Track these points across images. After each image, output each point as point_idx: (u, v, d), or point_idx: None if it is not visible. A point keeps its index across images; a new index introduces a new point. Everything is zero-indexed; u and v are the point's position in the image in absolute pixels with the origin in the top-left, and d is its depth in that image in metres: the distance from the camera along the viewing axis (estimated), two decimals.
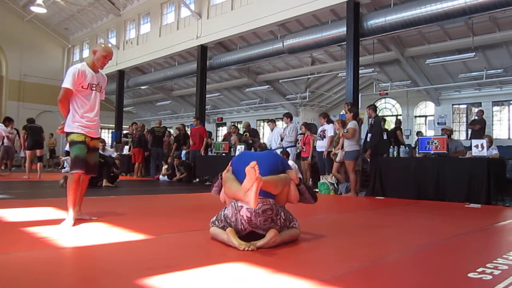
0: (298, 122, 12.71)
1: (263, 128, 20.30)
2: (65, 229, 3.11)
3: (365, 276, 2.11)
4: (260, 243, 2.51)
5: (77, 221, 3.39)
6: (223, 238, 2.65)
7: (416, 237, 3.31)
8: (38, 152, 9.92)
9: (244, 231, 2.62)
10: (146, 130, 12.55)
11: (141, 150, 11.61)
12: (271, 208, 2.57)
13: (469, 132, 11.96)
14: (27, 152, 9.91)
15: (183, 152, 11.66)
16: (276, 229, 2.61)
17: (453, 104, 15.26)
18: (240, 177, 2.61)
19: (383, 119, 10.72)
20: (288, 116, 9.19)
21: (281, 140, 9.05)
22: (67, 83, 3.34)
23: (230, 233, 2.58)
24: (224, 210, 2.74)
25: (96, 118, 3.53)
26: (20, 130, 10.73)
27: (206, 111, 15.89)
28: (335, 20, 10.95)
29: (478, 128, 10.08)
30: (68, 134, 3.47)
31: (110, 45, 3.57)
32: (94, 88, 3.47)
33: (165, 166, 11.05)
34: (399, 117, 16.68)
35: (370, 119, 7.87)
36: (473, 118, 12.27)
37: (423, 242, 3.04)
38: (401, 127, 11.32)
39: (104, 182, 8.04)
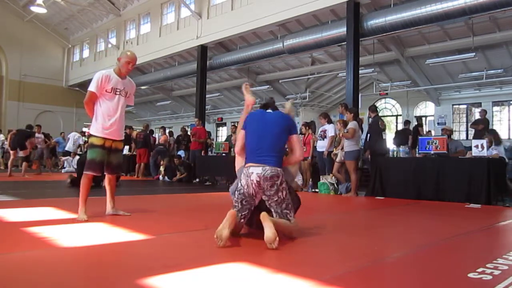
0: (298, 122, 12.71)
1: None
2: (79, 222, 3.38)
3: (365, 276, 2.11)
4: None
5: (112, 216, 3.78)
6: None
7: (416, 237, 3.31)
8: (22, 152, 10.35)
9: (254, 197, 2.89)
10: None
11: (146, 151, 11.58)
12: (278, 175, 2.86)
13: (470, 132, 11.98)
14: (11, 152, 10.54)
15: (182, 152, 11.69)
16: (276, 200, 2.85)
17: (453, 104, 15.24)
18: (249, 134, 3.04)
19: (413, 122, 10.89)
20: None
21: None
22: (91, 87, 3.62)
23: (229, 216, 2.70)
24: (239, 182, 2.96)
25: (118, 121, 3.73)
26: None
27: (206, 111, 15.88)
28: (335, 20, 10.95)
29: (481, 128, 10.08)
30: (90, 135, 3.73)
31: (132, 51, 3.76)
32: (118, 93, 3.70)
33: (162, 168, 11.04)
34: (399, 117, 16.74)
35: (370, 119, 7.89)
36: (476, 118, 12.30)
37: (423, 242, 3.04)
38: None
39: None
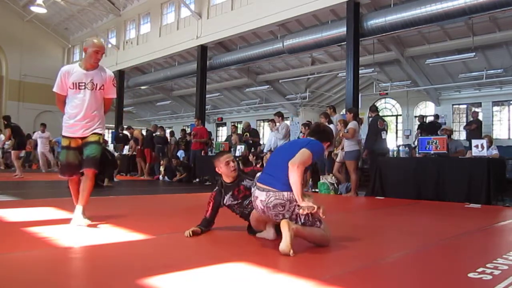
0: (298, 122, 12.72)
1: (263, 128, 20.30)
2: (77, 226, 3.17)
3: (365, 276, 2.11)
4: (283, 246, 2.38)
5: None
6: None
7: (416, 237, 3.30)
8: (23, 152, 10.03)
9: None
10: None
11: (149, 151, 11.57)
12: (283, 204, 2.53)
13: (467, 132, 12.02)
14: (16, 152, 9.85)
15: (181, 152, 11.70)
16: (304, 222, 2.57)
17: (453, 104, 15.25)
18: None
19: (414, 122, 10.93)
20: (280, 115, 9.26)
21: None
22: (54, 87, 3.37)
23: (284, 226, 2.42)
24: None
25: (86, 117, 3.33)
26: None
27: (206, 111, 15.89)
28: (335, 20, 10.95)
29: (474, 127, 10.12)
30: None
31: (103, 41, 3.41)
32: (83, 87, 3.31)
33: (162, 168, 11.05)
34: (399, 117, 16.74)
35: (369, 119, 7.91)
36: (469, 120, 12.39)
37: (423, 242, 3.04)
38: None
39: (106, 182, 8.05)
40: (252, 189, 2.72)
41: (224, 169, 3.00)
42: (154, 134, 11.89)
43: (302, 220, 2.55)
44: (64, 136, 3.39)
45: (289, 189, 2.50)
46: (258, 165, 8.19)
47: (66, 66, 3.49)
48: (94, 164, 3.34)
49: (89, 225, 3.20)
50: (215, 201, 3.07)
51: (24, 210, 4.17)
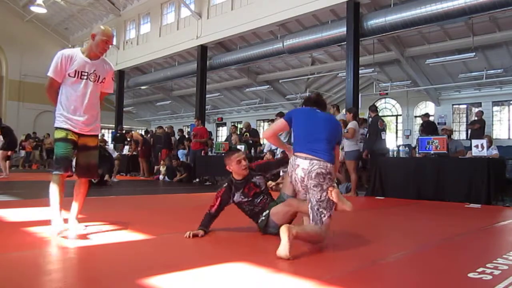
0: None
1: (263, 128, 20.30)
2: (55, 235, 2.82)
3: (365, 276, 2.12)
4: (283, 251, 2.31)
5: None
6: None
7: (416, 237, 3.31)
8: (10, 152, 9.84)
9: (297, 193, 2.79)
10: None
11: (166, 151, 11.57)
12: (325, 176, 2.55)
13: (469, 132, 12.03)
14: (3, 152, 9.62)
15: (180, 151, 11.70)
16: (317, 198, 2.56)
17: (453, 104, 15.25)
18: (301, 122, 2.77)
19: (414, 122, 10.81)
20: (281, 116, 9.22)
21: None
22: (49, 71, 2.95)
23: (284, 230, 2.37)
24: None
25: (87, 111, 2.98)
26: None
27: (206, 111, 15.89)
28: (335, 20, 10.95)
29: (478, 127, 10.10)
30: (55, 129, 3.03)
31: (107, 26, 3.09)
32: (85, 77, 2.97)
33: (163, 168, 11.05)
34: (399, 117, 16.74)
35: (369, 119, 7.91)
36: (472, 119, 12.34)
37: (423, 242, 3.04)
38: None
39: (106, 177, 8.04)
40: (291, 159, 2.70)
41: (236, 167, 3.00)
42: (156, 135, 11.90)
43: (323, 198, 2.55)
44: (59, 128, 2.96)
45: (332, 161, 2.61)
46: None
47: (66, 49, 3.11)
48: (95, 172, 3.19)
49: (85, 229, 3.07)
50: (223, 199, 3.01)
51: (24, 210, 4.17)
